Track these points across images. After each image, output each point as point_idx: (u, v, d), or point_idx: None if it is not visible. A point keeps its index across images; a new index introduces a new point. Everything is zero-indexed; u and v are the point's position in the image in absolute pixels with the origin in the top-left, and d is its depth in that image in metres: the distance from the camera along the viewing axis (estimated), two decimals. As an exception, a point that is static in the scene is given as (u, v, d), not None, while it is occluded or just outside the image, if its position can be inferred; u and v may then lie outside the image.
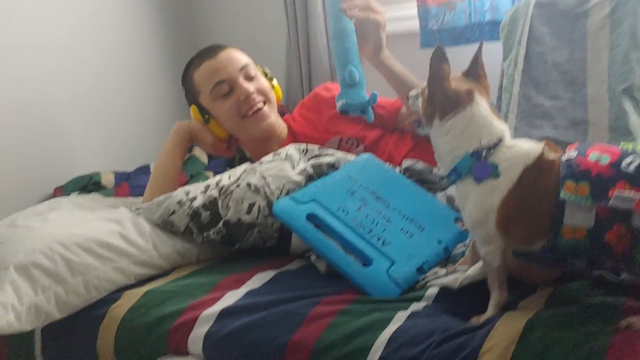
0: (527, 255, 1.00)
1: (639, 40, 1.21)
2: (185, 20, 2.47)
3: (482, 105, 0.98)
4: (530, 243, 0.95)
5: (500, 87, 1.32)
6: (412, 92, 1.07)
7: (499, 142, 0.96)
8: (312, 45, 2.11)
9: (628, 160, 0.86)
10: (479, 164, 0.95)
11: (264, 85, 1.54)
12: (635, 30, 1.21)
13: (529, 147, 0.96)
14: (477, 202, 0.95)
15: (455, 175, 0.98)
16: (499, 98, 1.31)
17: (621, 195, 0.84)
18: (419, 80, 1.51)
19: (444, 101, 0.98)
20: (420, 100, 1.04)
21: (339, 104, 1.39)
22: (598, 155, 0.89)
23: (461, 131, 0.97)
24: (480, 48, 1.03)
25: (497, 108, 1.30)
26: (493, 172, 0.94)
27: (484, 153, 0.95)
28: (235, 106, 1.50)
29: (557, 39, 1.30)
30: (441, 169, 1.04)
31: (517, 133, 1.19)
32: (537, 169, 0.93)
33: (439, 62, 0.97)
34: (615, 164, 0.86)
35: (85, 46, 2.05)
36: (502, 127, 0.99)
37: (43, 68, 1.90)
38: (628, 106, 1.16)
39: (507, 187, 0.93)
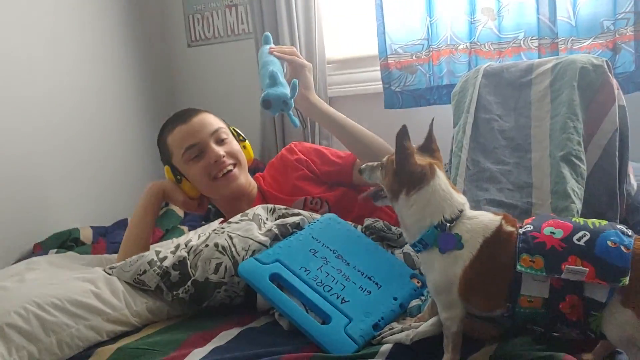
0: (486, 319, 1.07)
1: (576, 110, 1.31)
2: (164, 81, 2.58)
3: (442, 179, 1.05)
4: (490, 310, 1.02)
5: (451, 152, 1.41)
6: (364, 166, 1.14)
7: (460, 214, 1.03)
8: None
9: (579, 234, 0.95)
10: (444, 236, 1.01)
11: (234, 148, 1.62)
12: (572, 101, 1.32)
13: (488, 220, 1.03)
14: (442, 270, 1.01)
15: (422, 245, 1.04)
16: (450, 162, 1.40)
17: (572, 269, 0.92)
18: (361, 126, 1.60)
19: (411, 177, 1.04)
20: (378, 173, 1.11)
21: (261, 98, 1.44)
22: (552, 229, 0.97)
23: (425, 204, 1.03)
24: (431, 124, 1.12)
25: (448, 172, 1.39)
26: (457, 243, 1.00)
27: (447, 225, 1.02)
28: (206, 169, 1.57)
29: (503, 107, 1.40)
30: (407, 238, 1.09)
31: (465, 196, 1.27)
32: (496, 241, 1.00)
33: (403, 141, 1.02)
34: (567, 238, 0.95)
35: (64, 105, 2.13)
36: (461, 200, 1.06)
37: (22, 127, 1.98)
38: (566, 171, 1.26)
39: (468, 257, 0.99)
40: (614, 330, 0.92)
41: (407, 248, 1.38)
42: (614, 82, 1.36)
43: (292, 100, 1.45)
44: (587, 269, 0.91)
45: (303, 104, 1.58)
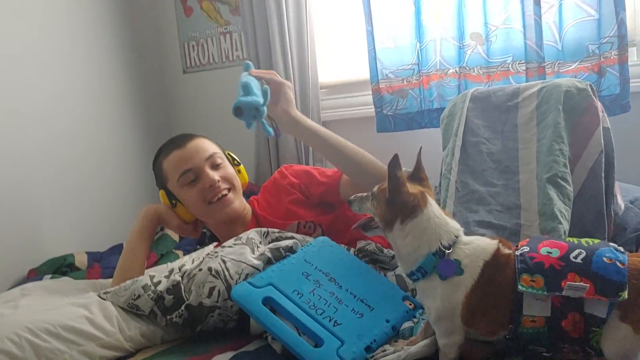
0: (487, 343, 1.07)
1: (561, 132, 1.34)
2: (160, 107, 2.61)
3: (435, 207, 1.07)
4: (493, 334, 1.03)
5: (441, 174, 1.43)
6: (353, 198, 1.15)
7: (456, 240, 1.04)
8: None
9: (575, 253, 0.97)
10: (443, 262, 1.02)
11: (229, 173, 1.64)
12: (557, 123, 1.35)
13: (485, 244, 1.04)
14: (444, 297, 1.02)
15: (421, 274, 1.04)
16: (440, 184, 1.42)
17: (573, 285, 0.94)
18: (350, 142, 1.58)
19: (404, 206, 1.04)
20: (369, 204, 1.11)
21: (233, 105, 1.39)
22: (549, 249, 0.99)
23: (421, 232, 1.04)
24: (419, 153, 1.14)
25: (438, 194, 1.41)
26: (457, 269, 1.01)
27: (446, 252, 1.02)
28: (200, 193, 1.59)
29: (490, 130, 1.43)
30: (402, 268, 1.09)
31: (455, 217, 1.29)
32: (495, 264, 1.01)
33: (395, 170, 1.03)
34: (564, 257, 0.97)
35: (59, 130, 2.16)
36: (456, 226, 1.07)
37: (16, 151, 1.99)
38: (552, 193, 1.28)
39: (470, 282, 1.00)
40: (612, 345, 0.93)
41: (400, 270, 1.39)
42: (599, 104, 1.39)
43: (265, 107, 1.42)
44: (588, 285, 0.93)
45: (285, 120, 1.55)
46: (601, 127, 1.36)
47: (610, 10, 1.74)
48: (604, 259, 0.95)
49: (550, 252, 0.98)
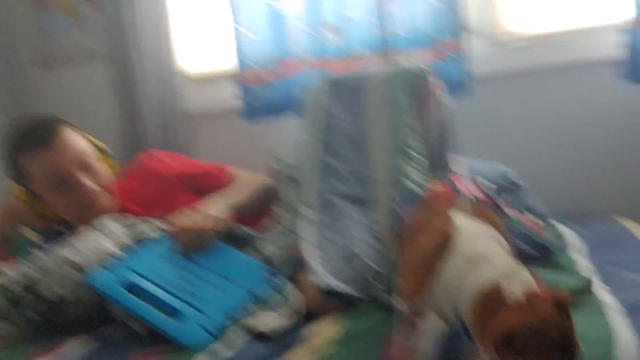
0: None
1: (407, 111, 1.48)
2: (15, 103, 2.46)
3: None
4: None
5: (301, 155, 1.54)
6: None
7: None
8: (137, 112, 2.16)
9: None
10: None
11: (100, 174, 1.56)
12: (403, 104, 1.49)
13: None
14: None
15: None
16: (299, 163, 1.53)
17: None
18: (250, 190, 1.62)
19: None
20: None
21: None
22: None
23: None
24: None
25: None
26: None
27: None
28: (72, 200, 1.51)
29: (348, 113, 1.55)
30: None
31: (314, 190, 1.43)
32: None
33: None
34: None
35: None
36: None
37: None
38: (402, 163, 1.40)
39: None
40: None
41: (267, 250, 1.44)
42: (439, 84, 1.54)
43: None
44: None
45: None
46: (440, 106, 1.52)
47: (453, 1, 1.91)
48: None
49: None
